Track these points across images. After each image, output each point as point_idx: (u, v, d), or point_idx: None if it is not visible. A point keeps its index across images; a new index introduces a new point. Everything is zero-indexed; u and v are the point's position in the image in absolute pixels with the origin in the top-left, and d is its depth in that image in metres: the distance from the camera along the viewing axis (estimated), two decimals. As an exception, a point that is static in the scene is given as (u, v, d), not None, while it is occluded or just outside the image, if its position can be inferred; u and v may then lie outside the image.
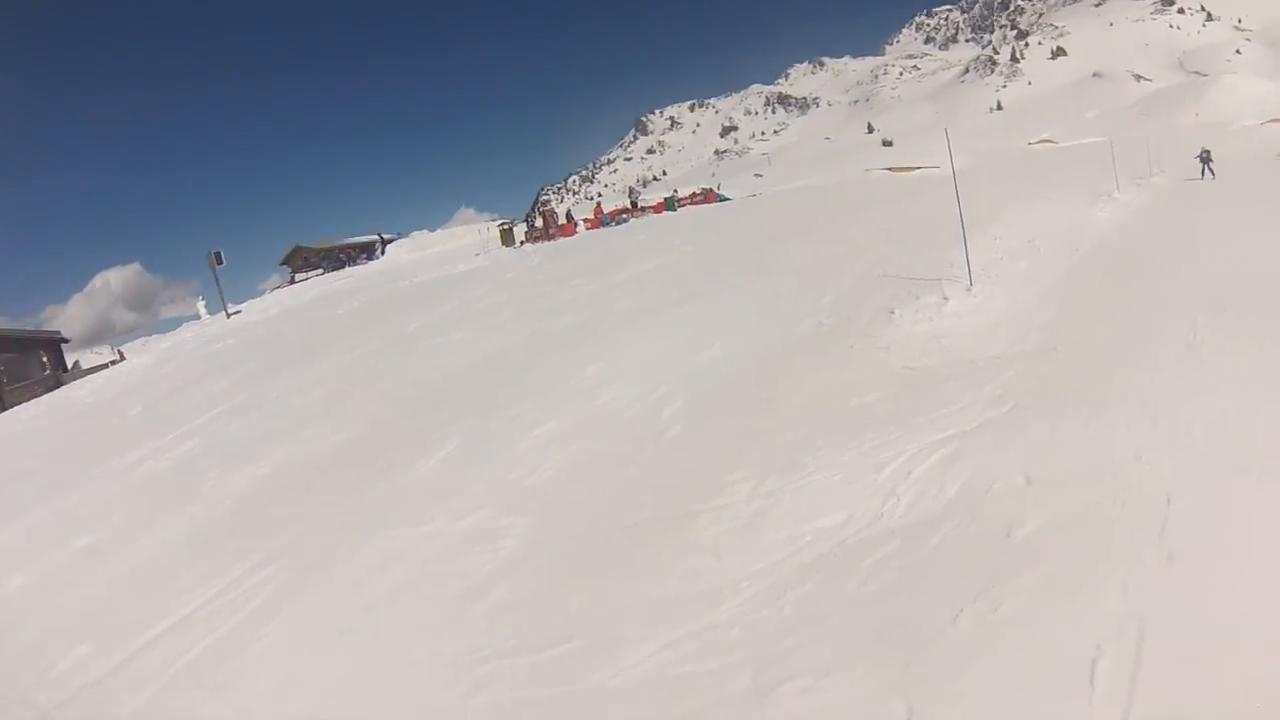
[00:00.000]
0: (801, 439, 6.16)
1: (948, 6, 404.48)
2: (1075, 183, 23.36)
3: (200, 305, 32.56)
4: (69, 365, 31.30)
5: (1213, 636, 3.20)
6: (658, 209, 40.57)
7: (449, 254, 35.54)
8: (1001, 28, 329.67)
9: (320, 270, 46.68)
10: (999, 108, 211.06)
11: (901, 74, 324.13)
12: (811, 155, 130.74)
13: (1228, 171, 24.30)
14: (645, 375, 8.76)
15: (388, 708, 4.10)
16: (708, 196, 44.72)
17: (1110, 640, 3.26)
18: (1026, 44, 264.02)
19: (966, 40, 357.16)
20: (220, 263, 32.05)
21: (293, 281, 46.46)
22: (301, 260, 51.42)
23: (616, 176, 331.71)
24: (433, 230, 49.50)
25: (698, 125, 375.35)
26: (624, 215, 39.50)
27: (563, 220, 38.43)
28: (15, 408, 21.60)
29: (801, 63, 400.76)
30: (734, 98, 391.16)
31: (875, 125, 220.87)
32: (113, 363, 28.51)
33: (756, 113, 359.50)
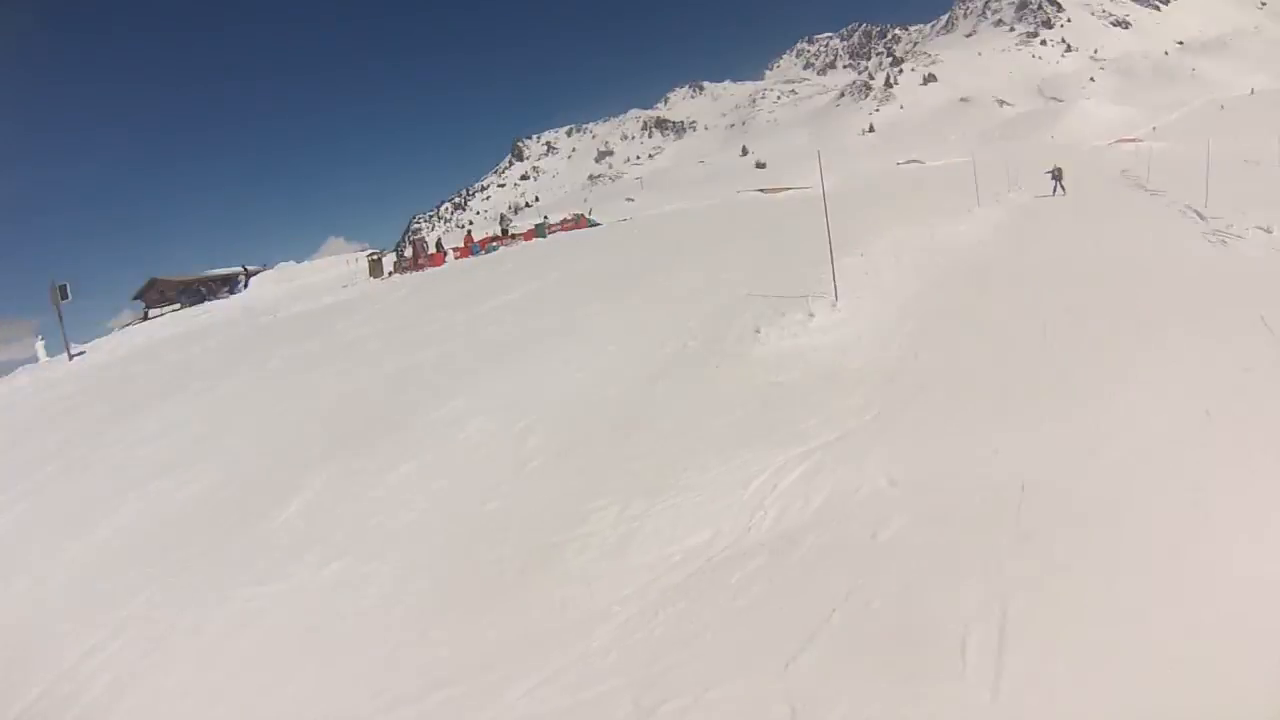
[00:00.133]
0: (666, 461, 6.42)
1: (829, 34, 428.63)
2: (939, 200, 25.79)
3: (39, 345, 30.28)
4: None
5: (1069, 604, 3.73)
6: (528, 236, 41.44)
7: (316, 286, 34.64)
8: (878, 55, 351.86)
9: (178, 305, 44.28)
10: (871, 130, 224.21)
11: (779, 98, 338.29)
12: (685, 179, 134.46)
13: (1078, 187, 27.25)
14: (509, 407, 8.93)
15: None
16: (579, 222, 45.94)
17: (976, 619, 3.70)
18: (901, 70, 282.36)
19: (845, 66, 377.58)
20: (65, 297, 29.41)
21: (146, 318, 43.87)
22: (158, 294, 48.52)
23: (490, 203, 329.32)
24: (300, 261, 48.32)
25: (574, 150, 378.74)
26: (494, 243, 39.78)
27: (432, 249, 38.16)
28: None
29: (682, 86, 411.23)
30: (612, 122, 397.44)
31: (750, 148, 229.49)
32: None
33: (633, 137, 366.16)
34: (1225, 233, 13.46)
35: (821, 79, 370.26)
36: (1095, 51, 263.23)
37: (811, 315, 10.34)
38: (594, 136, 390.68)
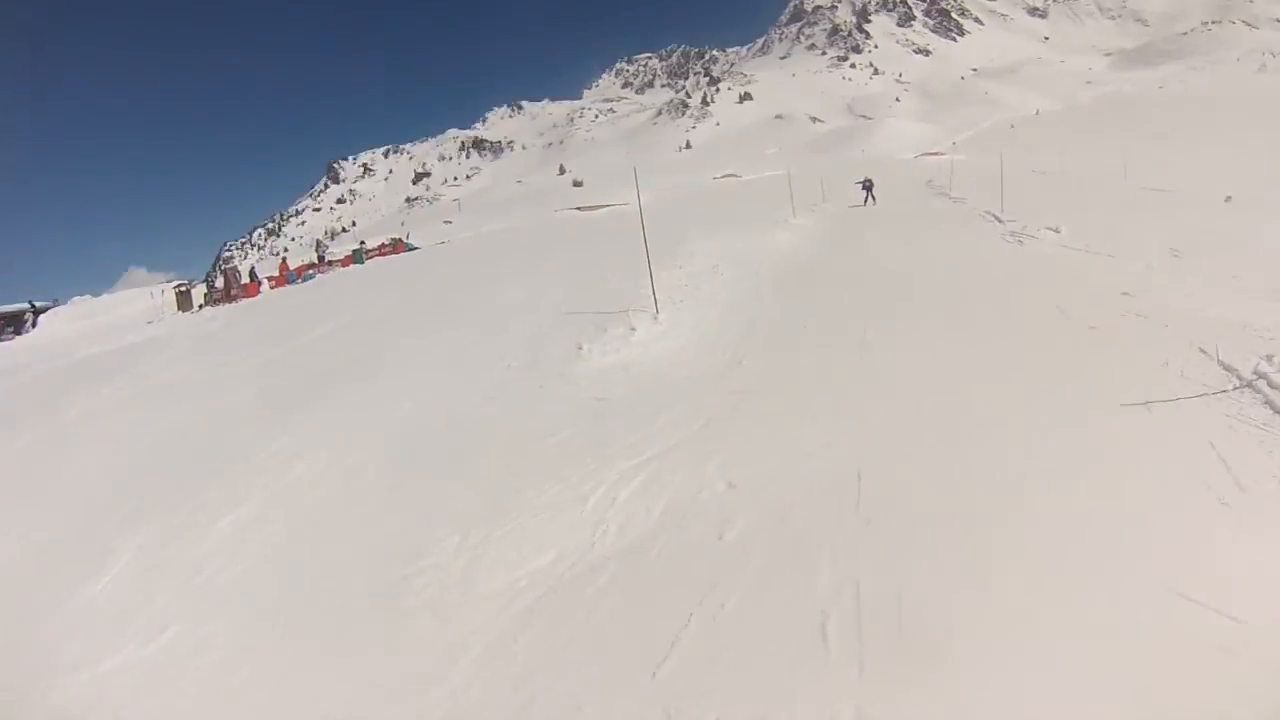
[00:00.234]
0: (501, 485, 6.41)
1: (648, 54, 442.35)
2: (756, 212, 27.25)
3: None
4: None
5: (919, 580, 4.05)
6: (346, 262, 40.23)
7: (118, 323, 31.52)
8: (696, 75, 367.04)
9: (-51, 351, 38.88)
10: (688, 147, 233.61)
11: (598, 117, 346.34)
12: (504, 199, 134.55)
13: (888, 196, 29.41)
14: (337, 442, 8.58)
15: None
16: (396, 247, 44.99)
17: (832, 604, 3.97)
18: (718, 89, 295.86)
19: (663, 85, 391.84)
20: None
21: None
22: (-79, 340, 42.45)
23: (305, 229, 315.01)
24: (98, 295, 43.44)
25: (391, 172, 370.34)
26: (311, 271, 38.14)
27: (246, 279, 35.89)
28: None
29: (500, 106, 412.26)
30: (430, 142, 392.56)
31: (567, 167, 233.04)
32: None
33: (451, 158, 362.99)
34: (1021, 234, 14.89)
35: (640, 98, 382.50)
36: (900, 75, 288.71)
37: (633, 329, 10.56)
38: (411, 157, 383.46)
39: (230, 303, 32.01)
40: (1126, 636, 3.43)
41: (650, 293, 11.50)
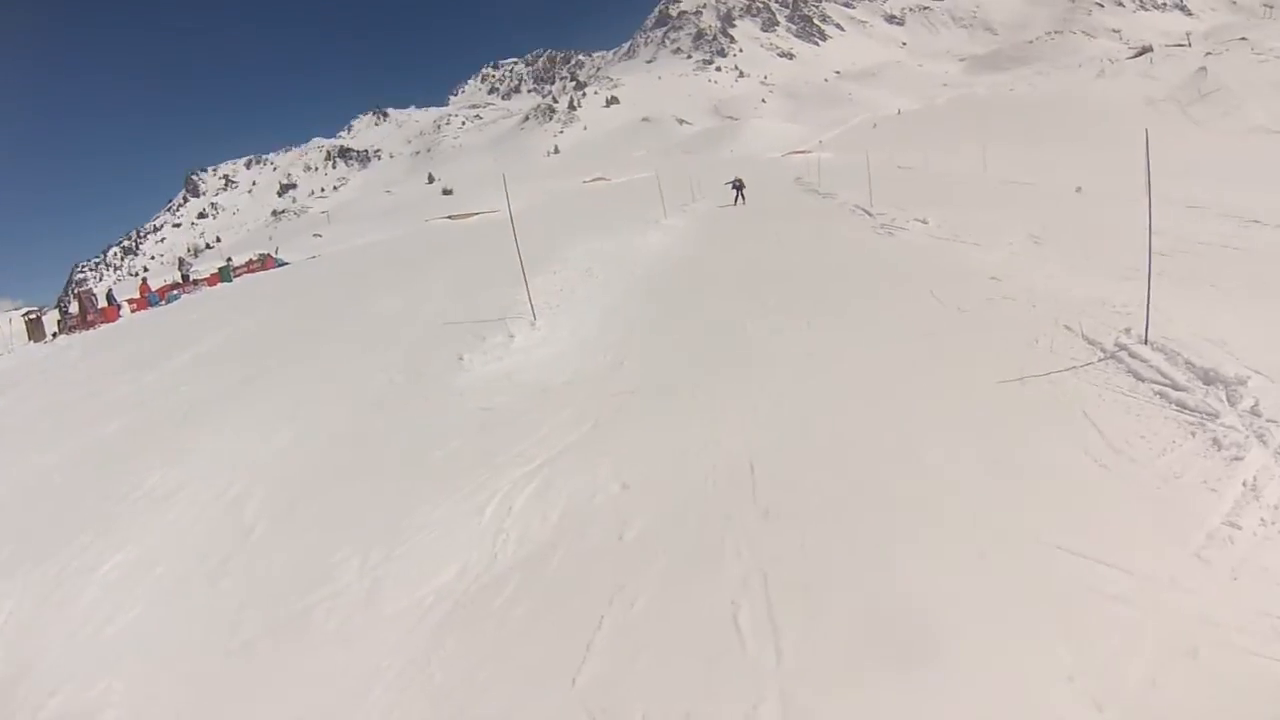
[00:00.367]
0: (394, 502, 6.34)
1: (513, 59, 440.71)
2: (627, 214, 27.64)
3: None
4: None
5: (819, 564, 4.21)
6: (212, 281, 38.35)
7: None
8: (562, 79, 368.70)
9: None
10: (556, 151, 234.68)
11: (464, 123, 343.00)
12: (373, 209, 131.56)
13: (758, 194, 30.17)
14: (218, 472, 8.17)
15: None
16: (265, 263, 43.05)
17: (741, 595, 4.07)
18: (584, 94, 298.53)
19: (529, 90, 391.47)
20: None
21: None
22: None
23: (165, 246, 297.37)
24: None
25: (254, 184, 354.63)
26: (175, 291, 35.99)
27: (103, 303, 33.40)
28: None
29: (365, 114, 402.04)
30: (294, 152, 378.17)
31: (436, 175, 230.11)
32: None
33: (317, 168, 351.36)
34: (891, 226, 15.64)
35: (506, 103, 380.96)
36: (765, 77, 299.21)
37: (512, 336, 10.53)
38: (275, 168, 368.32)
39: (87, 329, 29.80)
40: (1030, 598, 3.63)
41: (527, 299, 11.51)
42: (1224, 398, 5.21)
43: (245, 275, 39.59)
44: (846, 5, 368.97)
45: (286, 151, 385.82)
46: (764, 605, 3.94)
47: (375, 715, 3.99)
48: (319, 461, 7.89)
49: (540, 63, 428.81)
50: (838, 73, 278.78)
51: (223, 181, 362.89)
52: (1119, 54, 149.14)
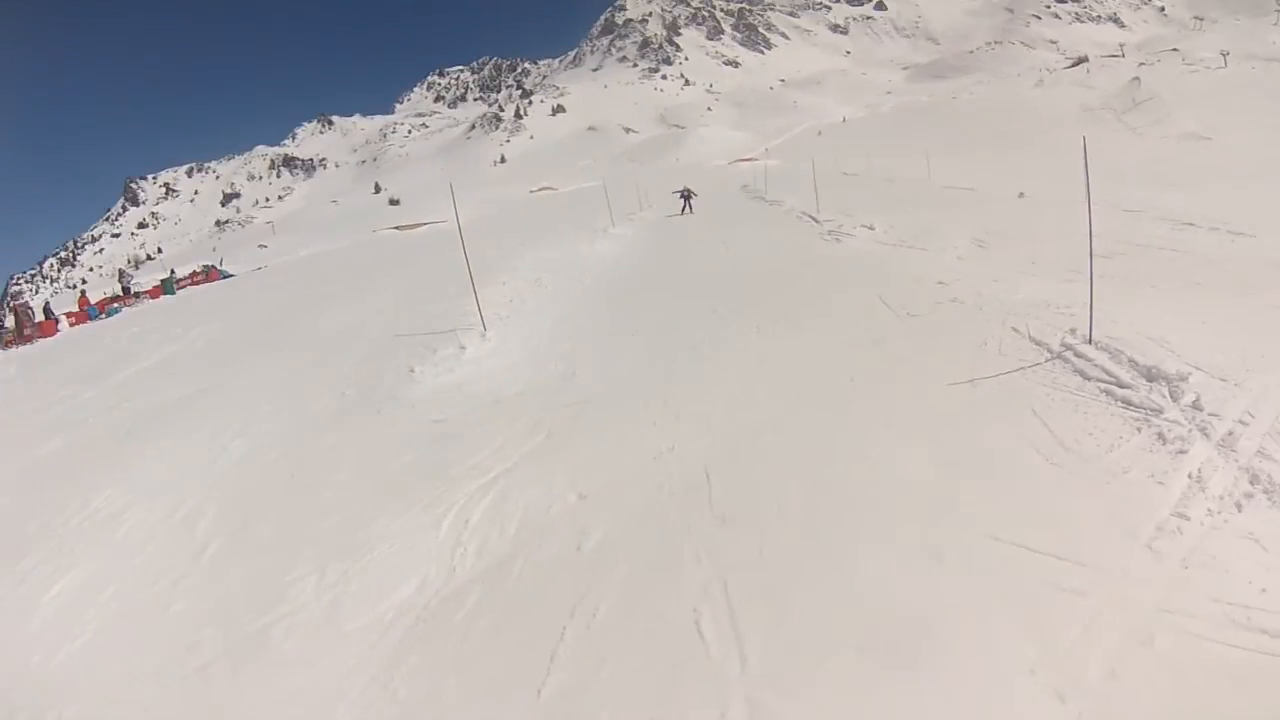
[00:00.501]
0: (351, 517, 6.29)
1: (459, 67, 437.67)
2: (575, 223, 27.63)
3: None
4: None
5: (779, 569, 4.28)
6: (154, 293, 37.19)
7: None
8: (508, 88, 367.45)
9: None
10: (503, 160, 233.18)
11: (411, 132, 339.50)
12: (319, 220, 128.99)
13: (704, 202, 30.25)
14: (167, 490, 7.98)
15: None
16: (210, 275, 42.01)
17: (703, 601, 4.13)
18: (530, 102, 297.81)
19: (475, 99, 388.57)
20: None
21: None
22: None
23: (104, 257, 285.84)
24: None
25: (196, 192, 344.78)
26: (115, 304, 34.84)
27: (40, 316, 32.19)
28: None
29: (310, 121, 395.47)
30: (237, 160, 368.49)
31: (383, 184, 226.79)
32: None
33: (261, 177, 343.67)
34: (838, 232, 15.84)
35: (453, 111, 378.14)
36: (711, 86, 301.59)
37: (463, 348, 10.47)
38: (218, 177, 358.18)
39: (24, 344, 28.67)
40: (989, 594, 3.71)
41: (477, 310, 11.44)
42: (1167, 394, 5.38)
43: (189, 287, 38.58)
44: (791, 14, 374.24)
45: (230, 159, 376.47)
46: (726, 611, 3.99)
47: (340, 735, 3.94)
48: (271, 477, 7.77)
49: (487, 70, 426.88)
50: (783, 81, 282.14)
51: (163, 190, 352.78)
52: (1056, 64, 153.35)
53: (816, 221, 18.40)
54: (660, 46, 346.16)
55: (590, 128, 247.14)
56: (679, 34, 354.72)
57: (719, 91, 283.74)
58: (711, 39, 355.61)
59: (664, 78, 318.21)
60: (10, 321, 31.60)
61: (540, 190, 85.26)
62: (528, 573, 4.88)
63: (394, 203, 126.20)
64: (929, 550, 4.13)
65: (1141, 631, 3.30)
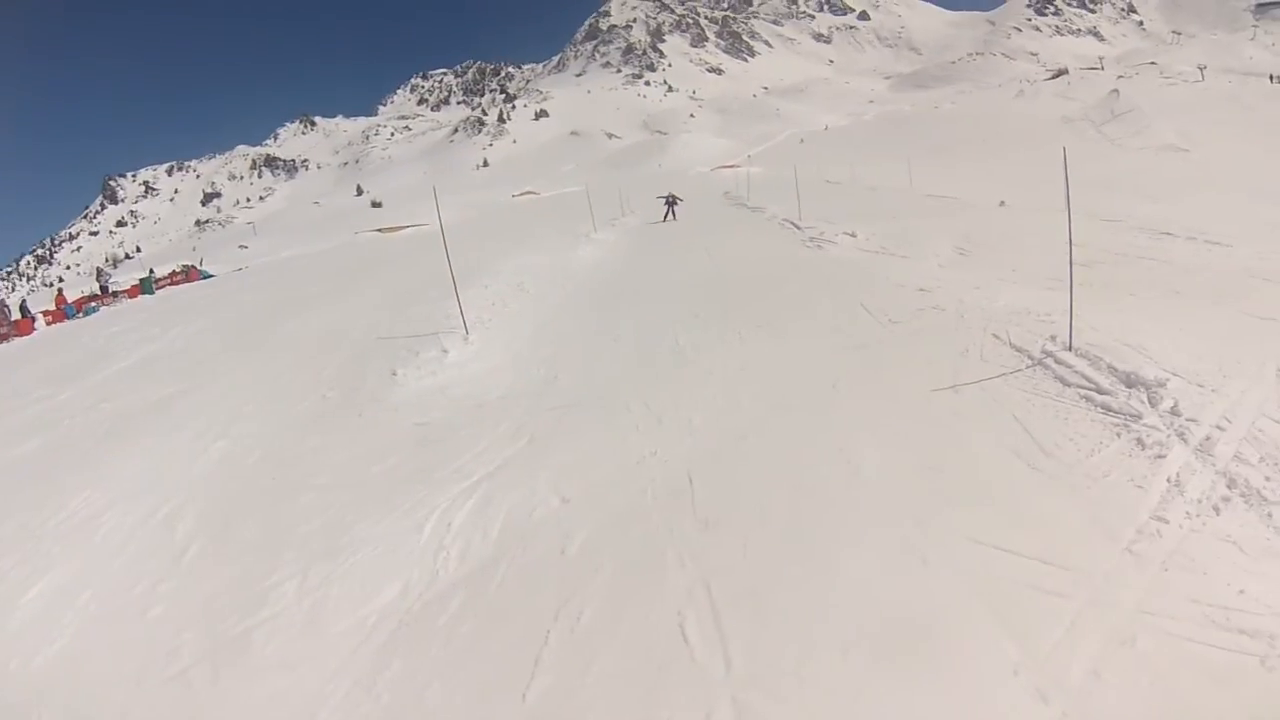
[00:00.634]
0: (333, 520, 6.26)
1: (443, 70, 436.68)
2: (557, 228, 27.70)
3: None
4: None
5: (762, 572, 4.32)
6: (133, 293, 36.79)
7: None
8: (492, 91, 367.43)
9: None
10: (486, 165, 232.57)
11: (393, 134, 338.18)
12: (301, 221, 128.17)
13: (686, 208, 30.34)
14: (146, 492, 7.90)
15: None
16: (189, 275, 41.61)
17: (686, 605, 4.16)
18: (513, 106, 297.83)
19: (458, 102, 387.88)
20: None
21: None
22: None
23: (82, 255, 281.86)
24: None
25: (176, 191, 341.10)
26: (93, 303, 34.43)
27: (16, 315, 31.74)
28: None
29: (292, 122, 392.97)
30: (219, 159, 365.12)
31: (365, 187, 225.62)
32: None
33: (242, 177, 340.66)
34: (820, 239, 15.92)
35: (436, 115, 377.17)
36: (694, 92, 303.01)
37: (445, 351, 10.45)
38: (199, 176, 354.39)
39: (1, 342, 28.37)
40: (972, 596, 3.75)
41: (459, 314, 11.44)
42: (1145, 400, 5.46)
43: (168, 287, 38.27)
44: (775, 23, 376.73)
45: (210, 159, 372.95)
46: (710, 614, 4.02)
47: (321, 740, 3.91)
48: (252, 480, 7.72)
49: (470, 74, 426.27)
50: (766, 88, 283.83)
51: (143, 188, 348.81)
52: (1037, 75, 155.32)
53: (799, 228, 18.50)
54: (644, 53, 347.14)
55: (573, 133, 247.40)
56: (663, 40, 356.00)
57: (702, 98, 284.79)
58: (695, 46, 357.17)
59: (647, 84, 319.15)
60: (-14, 319, 31.19)
61: (523, 195, 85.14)
62: (511, 577, 4.87)
63: (376, 205, 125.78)
64: (912, 553, 4.17)
65: (1123, 632, 3.35)
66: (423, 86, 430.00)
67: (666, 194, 29.64)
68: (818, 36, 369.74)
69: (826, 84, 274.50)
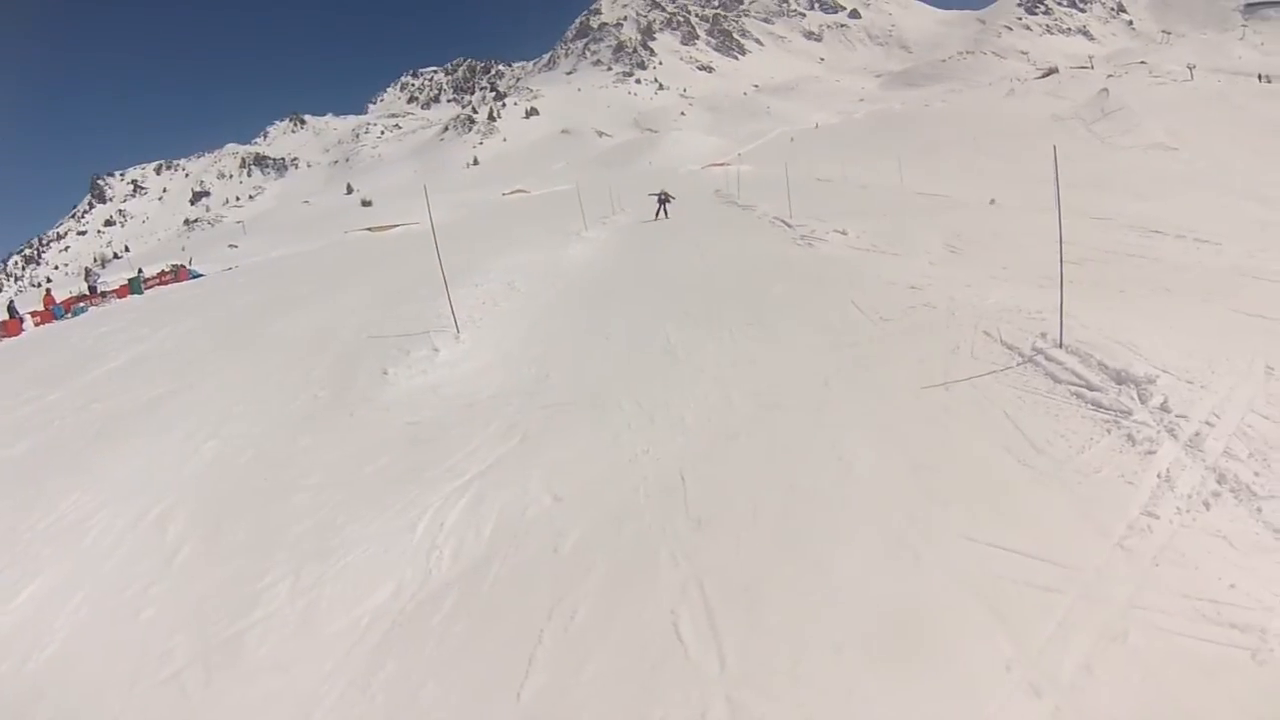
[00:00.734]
0: (325, 521, 6.26)
1: (433, 68, 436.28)
2: (548, 226, 27.66)
3: None
4: None
5: (755, 569, 4.33)
6: (121, 293, 36.56)
7: None
8: (482, 89, 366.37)
9: None
10: (476, 163, 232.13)
11: (383, 133, 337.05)
12: (291, 220, 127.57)
13: (677, 206, 30.22)
14: (136, 493, 7.86)
15: None
16: (179, 274, 41.43)
17: (680, 603, 4.17)
18: (504, 104, 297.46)
19: (449, 100, 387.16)
20: None
21: None
22: None
23: (70, 255, 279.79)
24: None
25: (165, 190, 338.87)
26: (82, 303, 34.21)
27: (4, 315, 31.50)
28: None
29: (282, 120, 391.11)
30: (208, 158, 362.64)
31: (355, 185, 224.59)
32: None
33: (232, 175, 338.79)
34: (811, 237, 15.91)
35: (426, 113, 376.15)
36: (684, 90, 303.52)
37: (436, 350, 10.43)
38: (188, 174, 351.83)
39: None
40: (965, 592, 3.78)
41: (450, 313, 11.41)
42: (1135, 396, 5.49)
43: (157, 287, 38.04)
44: (766, 21, 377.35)
45: (199, 157, 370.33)
46: (703, 612, 4.03)
47: (316, 742, 3.90)
48: (243, 480, 7.70)
49: (460, 72, 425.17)
50: (756, 86, 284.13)
51: (131, 187, 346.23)
52: (1027, 74, 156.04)
53: (789, 226, 18.49)
54: (634, 51, 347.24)
55: (564, 131, 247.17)
56: (653, 38, 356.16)
57: (693, 96, 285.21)
58: (686, 44, 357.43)
59: (638, 82, 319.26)
60: (-27, 320, 30.91)
61: (513, 193, 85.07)
62: (504, 575, 4.88)
63: (366, 204, 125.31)
64: (905, 550, 4.19)
65: (1115, 627, 3.37)
66: (413, 84, 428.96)
67: (659, 191, 29.28)
68: (808, 34, 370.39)
69: (817, 82, 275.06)
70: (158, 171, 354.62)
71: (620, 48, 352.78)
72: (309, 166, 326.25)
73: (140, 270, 42.50)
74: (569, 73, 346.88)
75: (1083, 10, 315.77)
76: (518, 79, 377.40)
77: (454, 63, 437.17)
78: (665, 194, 28.84)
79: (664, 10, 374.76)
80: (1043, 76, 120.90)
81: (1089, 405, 5.58)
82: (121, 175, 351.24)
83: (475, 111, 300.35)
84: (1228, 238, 11.56)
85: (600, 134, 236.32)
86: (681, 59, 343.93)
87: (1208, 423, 4.98)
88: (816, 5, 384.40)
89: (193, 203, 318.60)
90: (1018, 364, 6.65)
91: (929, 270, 11.13)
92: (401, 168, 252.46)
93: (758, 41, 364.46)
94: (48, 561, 6.86)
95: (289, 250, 48.85)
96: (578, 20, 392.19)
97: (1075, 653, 3.27)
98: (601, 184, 49.84)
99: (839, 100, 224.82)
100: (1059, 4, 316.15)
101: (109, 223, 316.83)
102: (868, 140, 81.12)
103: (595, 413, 7.40)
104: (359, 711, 4.02)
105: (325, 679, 4.33)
